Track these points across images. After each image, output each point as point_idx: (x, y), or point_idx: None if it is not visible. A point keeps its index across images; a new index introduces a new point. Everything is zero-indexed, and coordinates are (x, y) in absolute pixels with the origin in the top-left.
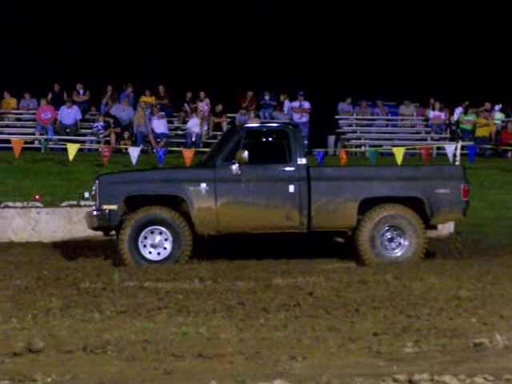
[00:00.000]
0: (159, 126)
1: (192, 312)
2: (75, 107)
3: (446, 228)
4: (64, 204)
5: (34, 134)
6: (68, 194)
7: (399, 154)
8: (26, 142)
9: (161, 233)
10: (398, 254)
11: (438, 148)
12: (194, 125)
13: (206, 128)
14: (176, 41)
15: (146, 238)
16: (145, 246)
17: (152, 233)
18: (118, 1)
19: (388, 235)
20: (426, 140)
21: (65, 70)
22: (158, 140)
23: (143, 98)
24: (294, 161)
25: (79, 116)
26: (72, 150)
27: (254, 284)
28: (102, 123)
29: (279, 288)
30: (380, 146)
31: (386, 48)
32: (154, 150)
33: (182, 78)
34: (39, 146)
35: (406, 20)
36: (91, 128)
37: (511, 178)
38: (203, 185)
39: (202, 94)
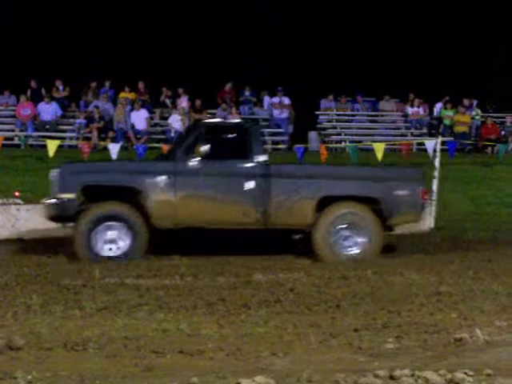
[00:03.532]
0: (139, 122)
1: (173, 308)
2: (54, 103)
3: (427, 224)
4: (44, 201)
5: (13, 130)
6: (48, 190)
7: (379, 149)
8: (5, 139)
9: (116, 227)
10: (354, 252)
11: (419, 144)
12: (174, 121)
13: (187, 124)
14: (155, 36)
15: (101, 232)
16: (100, 240)
17: (108, 227)
18: None
19: (344, 233)
20: (406, 136)
21: (44, 66)
22: (139, 136)
23: (123, 94)
24: (252, 157)
25: (59, 112)
26: (52, 146)
27: (235, 280)
28: (83, 120)
29: (260, 284)
30: (360, 141)
31: (366, 43)
32: (134, 147)
33: (162, 74)
34: (19, 142)
35: (386, 15)
36: (72, 124)
37: (491, 173)
38: (161, 177)
39: (180, 90)
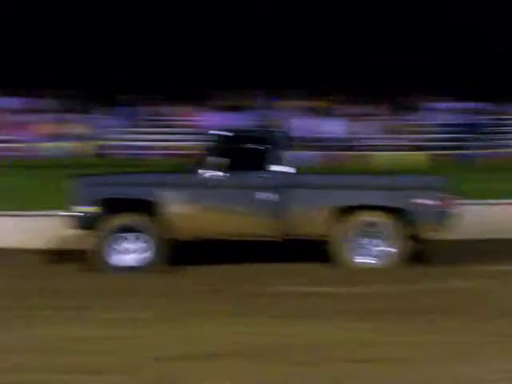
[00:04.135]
0: (330, 129)
1: (356, 315)
2: (225, 113)
3: None
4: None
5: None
6: None
7: None
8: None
9: (135, 239)
10: (375, 262)
11: None
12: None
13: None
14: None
15: (120, 244)
16: (119, 252)
17: (126, 239)
18: None
19: (364, 243)
20: None
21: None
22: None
23: (310, 103)
24: (272, 168)
25: (242, 122)
26: None
27: (415, 287)
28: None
29: (447, 291)
30: None
31: None
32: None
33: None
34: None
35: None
36: None
37: None
38: (180, 190)
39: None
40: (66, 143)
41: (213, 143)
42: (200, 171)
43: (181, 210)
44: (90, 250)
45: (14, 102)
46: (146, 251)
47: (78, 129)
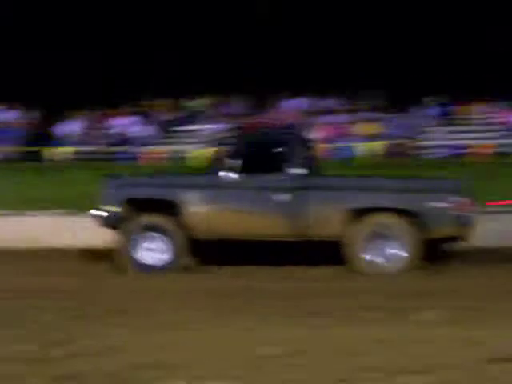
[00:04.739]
0: None
1: None
2: None
3: None
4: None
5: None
6: None
7: None
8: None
9: (157, 238)
10: (388, 264)
11: None
12: None
13: None
14: None
15: (143, 243)
16: (142, 251)
17: (149, 238)
18: None
19: (377, 246)
20: None
21: None
22: None
23: None
24: (288, 169)
25: None
26: None
27: None
28: None
29: None
30: None
31: None
32: None
33: None
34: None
35: None
36: None
37: None
38: (198, 190)
39: None
40: (357, 143)
41: (233, 144)
42: (218, 172)
43: (200, 210)
44: (116, 248)
45: (303, 103)
46: (168, 251)
47: (371, 129)
